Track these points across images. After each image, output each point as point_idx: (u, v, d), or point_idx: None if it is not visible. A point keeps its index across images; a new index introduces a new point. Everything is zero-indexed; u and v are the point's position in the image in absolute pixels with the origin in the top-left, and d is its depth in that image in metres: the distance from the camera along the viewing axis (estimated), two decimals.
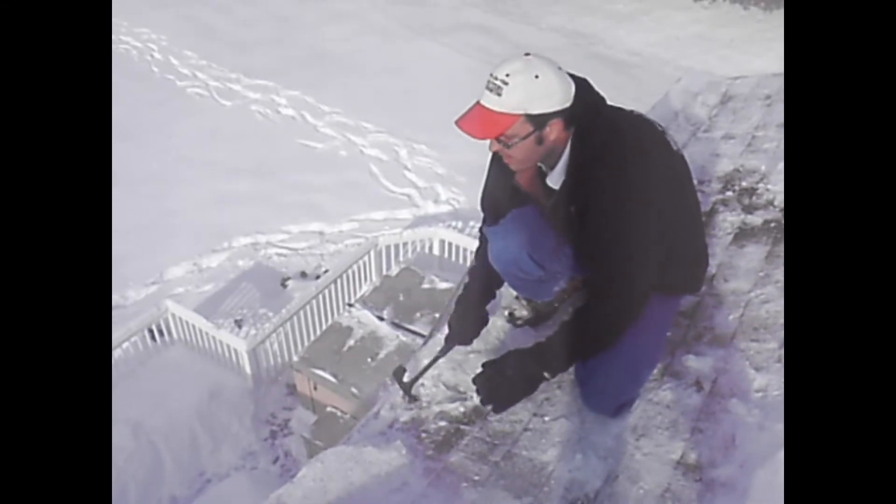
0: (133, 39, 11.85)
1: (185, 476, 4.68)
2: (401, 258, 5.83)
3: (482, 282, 2.27)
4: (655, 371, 2.20)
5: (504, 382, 1.97)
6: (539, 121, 1.81)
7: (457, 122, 1.83)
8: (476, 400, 2.05)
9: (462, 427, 2.09)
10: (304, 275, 6.88)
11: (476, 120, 1.82)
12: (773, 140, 3.61)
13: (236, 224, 7.43)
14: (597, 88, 1.93)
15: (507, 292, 2.52)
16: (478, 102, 1.84)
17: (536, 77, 1.76)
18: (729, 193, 3.18)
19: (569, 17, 12.88)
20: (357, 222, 7.59)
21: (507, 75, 1.76)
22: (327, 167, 8.50)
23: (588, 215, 1.88)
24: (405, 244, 5.93)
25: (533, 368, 1.96)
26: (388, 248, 5.93)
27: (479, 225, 2.26)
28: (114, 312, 6.03)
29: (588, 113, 1.86)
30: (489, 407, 2.02)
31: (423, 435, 2.08)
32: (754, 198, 3.12)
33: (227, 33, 12.14)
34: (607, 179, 1.83)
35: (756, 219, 2.96)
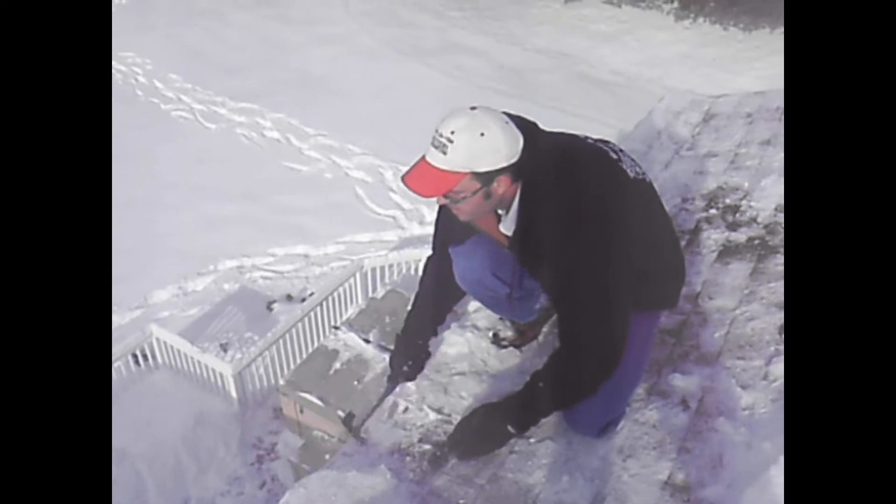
0: (117, 63, 11.82)
1: (170, 503, 4.60)
2: (386, 280, 5.80)
3: (424, 316, 2.26)
4: (641, 391, 2.19)
5: (469, 432, 1.98)
6: (486, 178, 1.76)
7: (403, 178, 1.79)
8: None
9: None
10: (289, 298, 6.84)
11: (422, 177, 1.76)
12: (756, 157, 3.63)
13: (222, 247, 7.39)
14: (547, 131, 1.88)
15: (490, 314, 2.50)
16: (423, 158, 1.78)
17: (482, 134, 1.70)
18: (713, 211, 3.19)
19: (553, 37, 12.98)
20: (342, 244, 7.56)
21: (452, 132, 1.70)
22: (312, 189, 8.49)
23: (542, 266, 1.88)
24: (391, 266, 5.91)
25: (497, 422, 1.96)
26: (373, 270, 5.90)
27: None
28: None
29: (535, 162, 1.80)
30: (453, 455, 2.02)
31: (408, 458, 2.05)
32: (738, 215, 3.13)
33: (212, 56, 12.15)
34: (556, 229, 1.79)
35: (740, 236, 2.97)
